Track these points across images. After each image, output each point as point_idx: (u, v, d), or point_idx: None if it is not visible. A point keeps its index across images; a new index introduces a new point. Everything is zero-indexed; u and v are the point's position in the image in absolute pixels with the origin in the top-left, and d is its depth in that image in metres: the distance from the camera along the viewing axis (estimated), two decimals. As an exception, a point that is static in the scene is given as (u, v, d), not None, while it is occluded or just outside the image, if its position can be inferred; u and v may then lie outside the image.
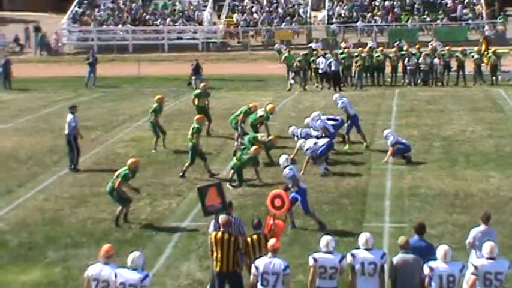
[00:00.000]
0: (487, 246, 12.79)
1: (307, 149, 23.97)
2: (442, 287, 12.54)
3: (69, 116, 25.58)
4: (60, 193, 22.89)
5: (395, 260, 13.14)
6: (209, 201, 15.61)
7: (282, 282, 12.89)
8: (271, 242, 13.29)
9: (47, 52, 61.15)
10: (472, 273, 12.58)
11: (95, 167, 25.80)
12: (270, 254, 13.06)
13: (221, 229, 14.37)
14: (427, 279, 12.67)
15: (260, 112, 27.89)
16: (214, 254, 14.32)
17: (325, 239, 13.23)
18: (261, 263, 12.98)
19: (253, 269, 13.04)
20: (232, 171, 23.33)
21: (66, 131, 25.51)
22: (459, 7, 63.66)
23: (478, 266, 12.63)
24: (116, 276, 12.61)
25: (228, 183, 22.30)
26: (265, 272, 12.88)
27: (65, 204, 21.75)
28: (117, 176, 19.80)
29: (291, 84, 41.89)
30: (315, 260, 13.05)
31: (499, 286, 12.57)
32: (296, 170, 20.05)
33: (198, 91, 30.76)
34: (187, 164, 24.17)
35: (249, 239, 14.27)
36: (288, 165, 19.70)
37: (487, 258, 12.68)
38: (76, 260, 17.44)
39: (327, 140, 24.60)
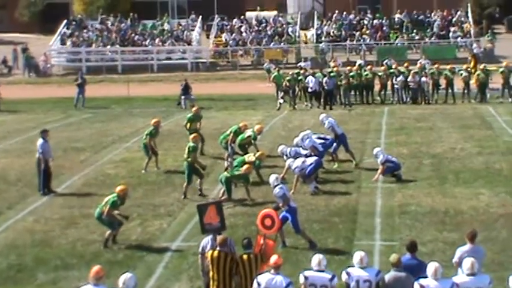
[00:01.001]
0: (467, 262, 12.92)
1: (295, 168, 24.00)
2: (432, 304, 12.63)
3: (39, 141, 25.55)
4: (50, 215, 22.85)
5: (387, 277, 13.21)
6: (207, 220, 15.79)
7: (285, 298, 13.01)
8: (274, 258, 13.37)
9: (36, 73, 61.14)
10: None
11: (85, 188, 25.77)
12: (272, 271, 13.15)
13: (218, 248, 14.44)
14: (418, 296, 12.76)
15: (248, 132, 28.01)
16: (211, 273, 14.41)
17: (317, 258, 13.29)
18: (263, 279, 13.06)
19: (255, 285, 13.10)
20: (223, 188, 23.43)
21: (37, 155, 25.47)
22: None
23: (458, 283, 12.73)
24: (107, 299, 12.66)
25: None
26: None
27: (55, 226, 21.70)
28: (106, 202, 19.76)
29: (280, 103, 41.96)
30: (305, 278, 13.12)
31: (479, 302, 12.73)
32: (286, 188, 20.10)
33: (190, 115, 30.54)
34: (185, 184, 24.09)
35: (239, 259, 14.34)
36: (278, 184, 19.75)
37: (468, 275, 12.79)
38: (66, 281, 17.41)
39: (315, 158, 24.63)
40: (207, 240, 15.28)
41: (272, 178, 20.25)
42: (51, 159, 25.70)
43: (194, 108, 31.72)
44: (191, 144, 24.59)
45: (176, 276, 17.63)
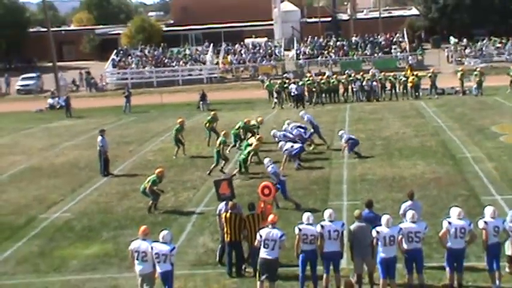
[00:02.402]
0: (409, 213, 13.05)
1: (285, 150, 24.02)
2: (385, 245, 12.66)
3: (99, 138, 25.61)
4: (109, 190, 22.92)
5: (352, 227, 13.25)
6: (222, 191, 16.01)
7: (279, 246, 13.01)
8: (271, 217, 13.45)
9: (95, 89, 61.09)
10: (400, 234, 12.70)
11: (133, 170, 25.80)
12: (270, 226, 13.18)
13: (230, 211, 14.47)
14: (375, 240, 12.79)
15: (252, 122, 28.24)
16: (225, 229, 14.45)
17: (306, 215, 13.40)
18: (263, 232, 13.12)
19: (258, 237, 13.18)
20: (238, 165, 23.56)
21: (98, 148, 25.55)
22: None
23: (403, 228, 12.79)
24: (152, 249, 12.68)
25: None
26: (266, 239, 13.03)
27: (113, 198, 21.79)
28: (148, 180, 19.81)
29: (274, 103, 42.00)
30: (299, 229, 13.18)
31: (418, 242, 12.77)
32: (276, 167, 20.13)
33: (210, 117, 30.24)
34: (213, 165, 24.09)
35: (246, 218, 14.38)
36: (270, 165, 19.80)
37: (410, 222, 12.83)
38: (123, 237, 17.49)
39: (299, 144, 24.68)
40: (221, 205, 15.29)
41: (266, 160, 20.32)
42: (108, 151, 25.71)
43: (213, 112, 31.60)
44: (222, 138, 24.50)
45: (201, 232, 17.70)
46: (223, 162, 24.47)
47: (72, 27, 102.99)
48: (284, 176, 20.34)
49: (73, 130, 37.93)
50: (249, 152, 23.67)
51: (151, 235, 13.48)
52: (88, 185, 23.94)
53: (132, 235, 15.89)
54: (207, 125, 29.78)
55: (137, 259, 12.81)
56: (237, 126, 28.24)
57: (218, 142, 24.49)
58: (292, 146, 24.20)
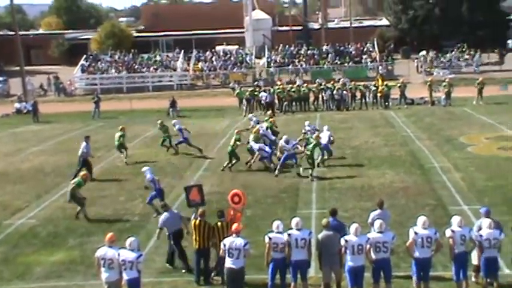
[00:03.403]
0: (377, 223, 13.06)
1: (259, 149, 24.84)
2: (354, 254, 12.68)
3: (83, 144, 25.59)
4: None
5: (319, 236, 13.26)
6: (192, 197, 15.84)
7: (244, 255, 12.96)
8: (235, 226, 13.37)
9: (64, 94, 60.60)
10: (368, 243, 12.75)
11: (101, 176, 25.58)
12: (234, 235, 13.12)
13: (199, 218, 14.41)
14: (343, 249, 12.81)
15: (264, 124, 28.64)
16: (193, 236, 14.37)
17: (276, 223, 13.38)
18: (227, 241, 13.06)
19: (222, 246, 13.11)
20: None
21: (79, 153, 25.44)
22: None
23: (371, 238, 12.82)
24: (118, 256, 12.58)
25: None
26: (230, 248, 12.95)
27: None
28: (73, 183, 20.09)
29: (245, 110, 42.02)
30: (270, 238, 13.15)
31: (386, 252, 12.79)
32: (154, 175, 20.20)
33: (121, 133, 28.54)
34: (226, 163, 25.16)
35: (215, 225, 14.34)
36: (149, 173, 20.11)
37: (377, 232, 12.88)
38: (90, 244, 17.30)
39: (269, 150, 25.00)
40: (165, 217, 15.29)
41: (144, 168, 20.49)
42: (90, 157, 25.74)
43: (121, 127, 29.36)
44: (237, 136, 25.33)
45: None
46: (235, 160, 25.10)
47: (40, 31, 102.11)
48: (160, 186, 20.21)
49: (40, 135, 37.54)
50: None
51: (118, 242, 13.36)
52: (54, 191, 23.67)
53: (99, 242, 15.73)
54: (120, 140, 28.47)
55: (103, 266, 12.69)
56: (232, 142, 25.93)
57: (233, 140, 25.07)
58: (264, 148, 24.60)
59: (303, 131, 27.36)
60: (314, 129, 27.85)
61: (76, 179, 20.30)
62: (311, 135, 25.83)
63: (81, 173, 20.75)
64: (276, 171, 24.04)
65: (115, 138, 28.41)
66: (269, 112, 31.20)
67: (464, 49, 63.69)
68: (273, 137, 27.14)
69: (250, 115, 30.93)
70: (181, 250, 15.33)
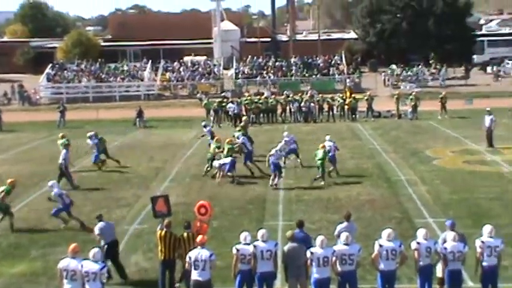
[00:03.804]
0: (343, 235, 13.10)
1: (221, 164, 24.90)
2: (319, 266, 12.71)
3: (63, 151, 25.36)
4: (39, 206, 22.32)
5: (285, 248, 13.28)
6: (158, 208, 15.71)
7: (210, 267, 12.90)
8: (199, 238, 13.31)
9: (28, 103, 59.96)
10: (333, 255, 12.78)
11: (66, 187, 25.18)
12: (199, 247, 13.05)
13: (165, 229, 14.33)
14: (309, 261, 12.83)
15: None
16: (159, 247, 14.30)
17: (243, 235, 13.35)
18: (193, 254, 12.99)
19: (187, 258, 13.03)
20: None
21: (60, 162, 25.25)
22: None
23: (337, 250, 12.86)
24: (81, 267, 12.45)
25: None
26: (196, 260, 12.88)
27: (43, 214, 21.20)
28: (2, 191, 19.91)
29: (212, 121, 41.87)
30: (237, 250, 13.11)
31: (352, 264, 12.83)
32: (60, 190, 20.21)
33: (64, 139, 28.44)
34: (206, 166, 25.86)
35: (181, 237, 14.27)
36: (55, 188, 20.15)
37: (343, 244, 12.92)
38: (53, 255, 17.07)
39: (230, 159, 24.81)
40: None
41: (50, 183, 20.54)
42: (70, 165, 25.63)
43: (61, 134, 29.65)
44: (229, 146, 25.49)
45: (134, 250, 17.47)
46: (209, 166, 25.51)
47: (5, 38, 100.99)
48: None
49: (3, 144, 37.07)
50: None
51: (82, 253, 13.20)
52: (17, 200, 23.26)
53: (63, 253, 15.52)
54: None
55: (66, 278, 12.53)
56: (225, 151, 25.96)
57: (226, 149, 25.25)
58: (224, 162, 24.53)
59: (283, 141, 27.15)
60: (292, 139, 28.03)
61: (4, 187, 20.00)
62: (289, 146, 26.68)
63: (9, 180, 20.54)
64: (271, 181, 24.07)
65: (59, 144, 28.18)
66: (242, 124, 31.18)
67: (432, 62, 64.47)
68: (251, 148, 26.99)
69: (204, 122, 31.52)
70: (114, 260, 15.43)
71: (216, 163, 25.00)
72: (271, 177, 24.11)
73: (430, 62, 64.87)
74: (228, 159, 24.72)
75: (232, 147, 25.74)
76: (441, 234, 13.97)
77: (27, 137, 39.23)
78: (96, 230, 15.47)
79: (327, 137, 27.05)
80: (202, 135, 32.53)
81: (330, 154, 24.96)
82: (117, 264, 15.56)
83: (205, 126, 31.65)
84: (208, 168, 25.77)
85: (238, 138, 27.28)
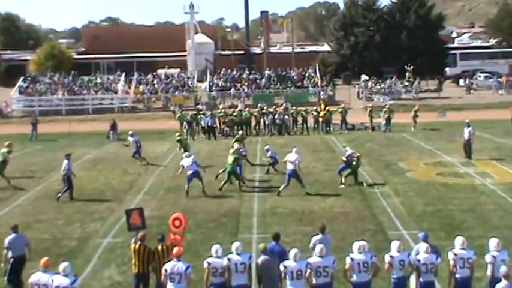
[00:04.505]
0: (318, 247, 13.14)
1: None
2: (293, 279, 12.72)
3: (65, 161, 25.19)
4: (10, 220, 22.01)
5: (259, 260, 13.29)
6: (133, 221, 15.61)
7: (186, 279, 12.88)
8: (176, 250, 13.28)
9: (0, 116, 59.46)
10: (308, 268, 12.82)
11: (38, 201, 25.07)
12: (175, 259, 13.02)
13: (139, 242, 14.27)
14: (283, 274, 12.85)
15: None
16: (133, 260, 14.23)
17: (215, 247, 13.32)
18: (169, 266, 12.94)
19: (163, 271, 12.99)
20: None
21: (63, 172, 25.08)
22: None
23: (311, 262, 12.90)
24: (52, 281, 12.36)
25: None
26: (172, 272, 12.85)
27: (15, 229, 20.99)
28: None
29: (186, 134, 41.77)
30: (208, 263, 13.10)
31: (327, 276, 12.87)
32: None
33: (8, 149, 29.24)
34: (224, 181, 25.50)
35: (155, 250, 14.23)
36: None
37: (318, 257, 12.97)
38: (24, 270, 16.73)
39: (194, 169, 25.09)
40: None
41: None
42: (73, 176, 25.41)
43: (7, 143, 29.71)
44: (236, 155, 25.64)
45: (107, 264, 17.33)
46: (236, 180, 25.85)
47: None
48: None
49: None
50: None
51: (54, 267, 13.09)
52: (-12, 214, 23.10)
53: (34, 267, 15.36)
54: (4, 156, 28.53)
55: (38, 293, 12.42)
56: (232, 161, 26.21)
57: (232, 159, 25.32)
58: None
59: (267, 155, 28.46)
60: (274, 154, 28.31)
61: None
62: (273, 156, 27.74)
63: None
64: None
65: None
66: (238, 136, 31.58)
67: (409, 74, 65.02)
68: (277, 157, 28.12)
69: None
70: (15, 278, 15.10)
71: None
72: (284, 186, 24.63)
73: (408, 73, 65.41)
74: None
75: (239, 157, 26.17)
76: (415, 246, 14.07)
77: (-2, 150, 38.83)
78: (6, 242, 15.22)
79: (347, 148, 27.54)
80: (127, 145, 34.15)
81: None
82: (18, 284, 15.15)
83: (132, 135, 32.60)
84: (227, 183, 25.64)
85: (268, 150, 28.71)
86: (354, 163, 26.14)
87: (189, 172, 24.83)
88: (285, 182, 24.65)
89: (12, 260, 15.12)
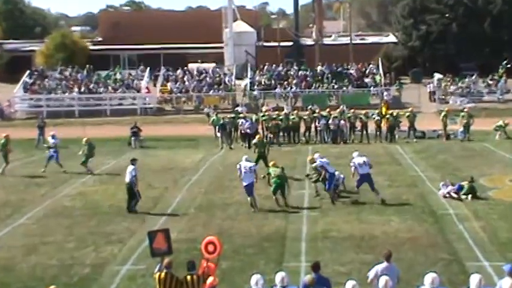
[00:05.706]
0: (382, 280, 13.05)
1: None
2: (350, 317, 12.70)
3: (131, 167, 25.82)
4: (13, 243, 22.43)
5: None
6: (156, 245, 15.66)
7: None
8: (210, 280, 13.32)
9: (1, 118, 60.40)
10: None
11: (45, 219, 25.39)
12: (210, 291, 13.11)
13: (165, 270, 14.35)
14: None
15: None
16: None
17: (255, 278, 13.37)
18: (202, 297, 13.03)
19: (196, 304, 13.06)
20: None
21: (127, 180, 25.76)
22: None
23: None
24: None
25: None
26: (207, 306, 12.94)
27: (17, 253, 21.29)
28: None
29: (222, 142, 41.91)
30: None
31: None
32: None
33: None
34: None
35: (184, 279, 14.29)
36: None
37: (382, 292, 12.92)
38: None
39: None
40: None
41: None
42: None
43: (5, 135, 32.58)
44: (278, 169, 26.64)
45: (126, 296, 17.47)
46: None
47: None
48: None
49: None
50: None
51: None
52: (-14, 235, 23.50)
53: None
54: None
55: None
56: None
57: (278, 171, 26.45)
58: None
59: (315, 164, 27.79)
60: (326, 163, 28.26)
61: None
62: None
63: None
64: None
65: None
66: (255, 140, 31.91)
67: (502, 71, 64.07)
68: (333, 169, 27.61)
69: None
70: None
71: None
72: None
73: (500, 70, 64.49)
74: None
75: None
76: (498, 281, 13.91)
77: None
78: None
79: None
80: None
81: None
82: None
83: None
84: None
85: (317, 160, 28.18)
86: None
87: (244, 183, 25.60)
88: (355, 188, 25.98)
89: None
